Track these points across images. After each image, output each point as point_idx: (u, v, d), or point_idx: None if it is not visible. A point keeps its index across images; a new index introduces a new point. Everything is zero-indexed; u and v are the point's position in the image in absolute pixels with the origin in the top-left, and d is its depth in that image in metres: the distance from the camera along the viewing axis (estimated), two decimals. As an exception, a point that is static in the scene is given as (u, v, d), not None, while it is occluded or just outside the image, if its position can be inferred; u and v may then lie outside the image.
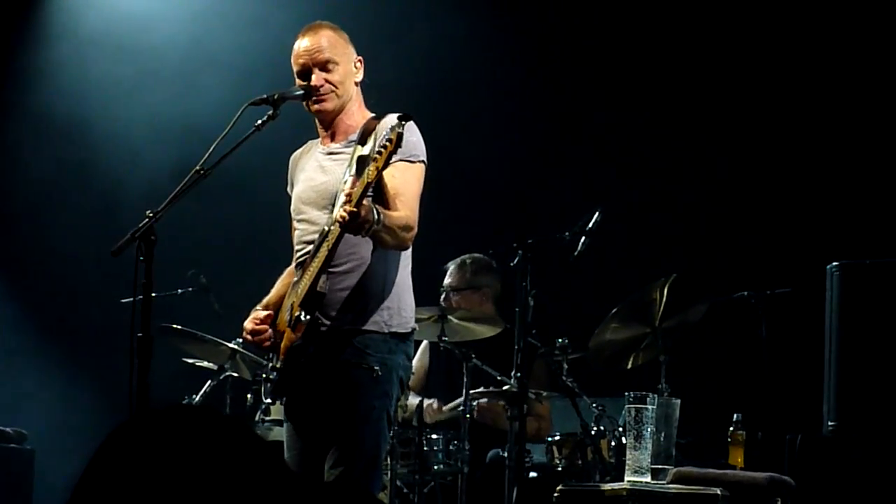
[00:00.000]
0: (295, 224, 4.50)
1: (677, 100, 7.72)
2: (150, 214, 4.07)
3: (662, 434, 4.71)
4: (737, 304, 6.50)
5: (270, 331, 4.37)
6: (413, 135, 4.32)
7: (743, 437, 5.50)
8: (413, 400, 6.56)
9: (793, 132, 7.47)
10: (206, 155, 4.19)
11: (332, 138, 4.47)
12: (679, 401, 4.81)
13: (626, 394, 4.72)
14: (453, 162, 7.45)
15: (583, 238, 6.21)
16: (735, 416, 5.55)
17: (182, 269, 7.50)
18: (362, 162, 4.16)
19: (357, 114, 4.46)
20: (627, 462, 4.68)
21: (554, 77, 8.12)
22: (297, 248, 4.46)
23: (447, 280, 6.99)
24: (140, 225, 4.05)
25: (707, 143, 7.65)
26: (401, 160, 4.21)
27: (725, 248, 7.50)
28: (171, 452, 1.61)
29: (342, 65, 4.42)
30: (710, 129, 7.66)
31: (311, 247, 4.31)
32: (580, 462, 6.32)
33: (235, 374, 6.85)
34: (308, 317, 4.22)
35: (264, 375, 4.45)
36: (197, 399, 6.72)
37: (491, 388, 6.35)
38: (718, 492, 4.59)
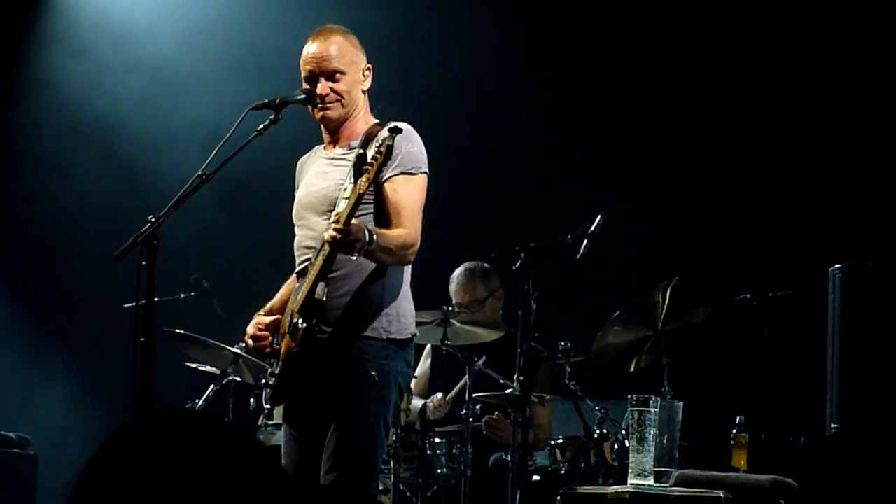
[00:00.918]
0: (295, 229, 4.50)
1: (679, 102, 7.73)
2: (153, 219, 4.07)
3: (665, 437, 4.71)
4: (739, 306, 6.50)
5: (271, 337, 4.37)
6: (414, 145, 4.31)
7: (746, 439, 5.50)
8: (416, 403, 6.55)
9: (795, 135, 7.47)
10: (209, 159, 4.19)
11: (336, 144, 4.47)
12: (682, 403, 4.82)
13: (629, 397, 4.73)
14: (455, 165, 7.46)
15: (585, 241, 6.20)
16: (738, 418, 5.55)
17: (185, 274, 7.50)
18: (360, 161, 4.16)
19: (361, 120, 4.45)
20: (630, 465, 4.69)
21: (555, 80, 8.12)
22: (296, 253, 4.46)
23: (462, 297, 6.86)
24: (142, 229, 4.05)
25: (710, 146, 7.65)
26: (401, 173, 4.21)
27: (728, 250, 7.50)
28: (167, 456, 1.61)
29: (349, 74, 4.40)
30: (712, 132, 7.66)
31: (311, 252, 4.32)
32: (583, 465, 6.32)
33: (238, 379, 6.84)
34: (305, 325, 4.22)
35: (264, 381, 4.46)
36: (199, 404, 6.72)
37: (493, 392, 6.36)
38: (721, 494, 4.59)
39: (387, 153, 3.93)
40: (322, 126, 4.50)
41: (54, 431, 8.32)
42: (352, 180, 4.21)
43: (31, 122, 8.64)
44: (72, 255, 8.50)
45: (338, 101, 4.38)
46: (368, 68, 4.47)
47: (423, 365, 6.98)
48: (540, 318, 6.14)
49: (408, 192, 4.26)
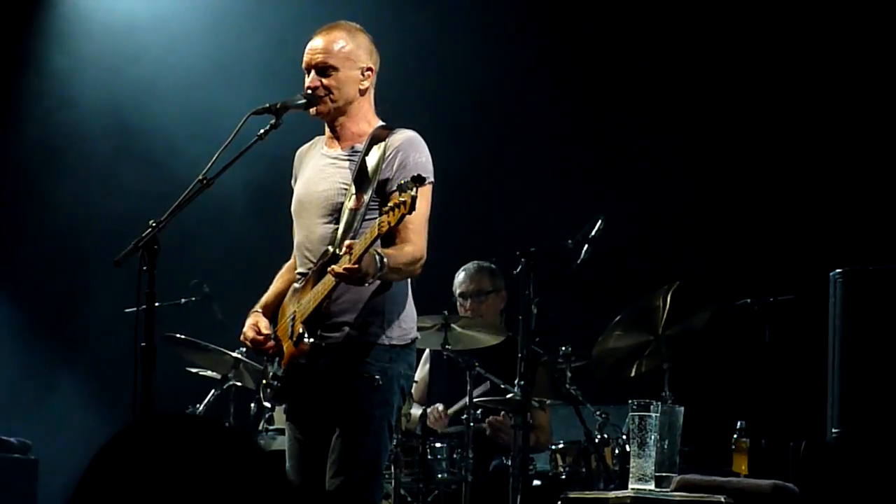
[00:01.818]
0: (294, 226, 4.49)
1: (680, 107, 7.73)
2: (154, 224, 4.07)
3: (666, 442, 4.70)
4: (740, 311, 6.50)
5: (272, 342, 4.38)
6: (422, 155, 4.31)
7: (747, 444, 5.50)
8: (416, 410, 6.55)
9: (795, 140, 7.47)
10: (210, 164, 4.19)
11: (338, 142, 4.46)
12: (682, 408, 4.81)
13: (630, 401, 4.71)
14: (455, 170, 7.46)
15: (585, 246, 6.20)
16: (739, 423, 5.55)
17: (185, 279, 7.50)
18: (363, 174, 4.17)
19: (363, 122, 4.43)
20: (631, 470, 4.68)
21: (556, 85, 8.12)
22: (296, 252, 4.46)
23: (467, 286, 6.93)
24: (143, 234, 4.06)
25: (710, 150, 7.65)
26: None
27: (728, 255, 7.49)
28: (167, 461, 1.61)
29: (342, 70, 4.37)
30: (712, 136, 7.66)
31: (311, 255, 4.32)
32: (584, 470, 6.32)
33: (239, 384, 6.84)
34: (312, 339, 4.23)
35: (264, 381, 4.46)
36: (200, 409, 6.72)
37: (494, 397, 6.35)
38: (722, 499, 4.58)
39: (411, 205, 3.87)
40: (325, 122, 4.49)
41: (55, 436, 8.31)
42: (355, 190, 4.22)
43: (32, 130, 8.66)
44: (73, 260, 8.50)
45: (327, 95, 4.36)
46: (370, 68, 4.44)
47: (423, 370, 6.97)
48: (540, 323, 6.14)
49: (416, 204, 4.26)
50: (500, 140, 8.18)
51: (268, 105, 4.32)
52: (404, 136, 4.30)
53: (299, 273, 4.41)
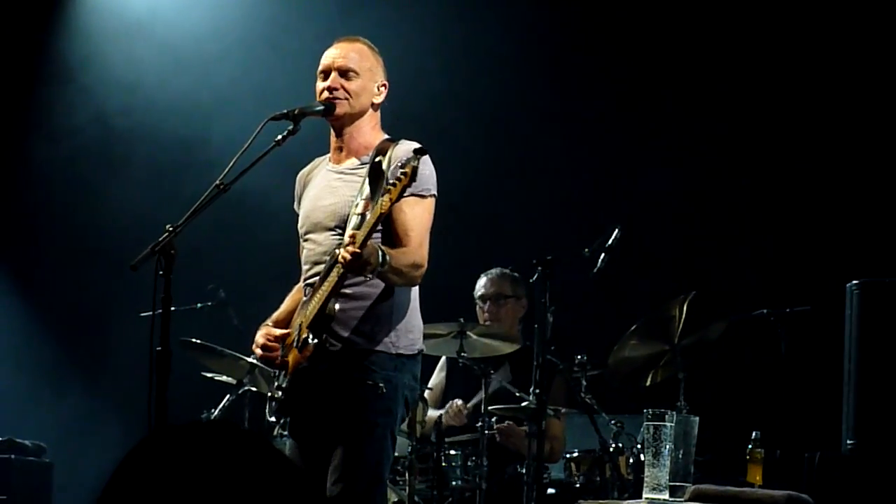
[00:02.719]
0: (302, 243, 4.50)
1: (696, 117, 7.72)
2: (170, 228, 4.08)
3: (681, 451, 4.70)
4: (756, 321, 6.49)
5: (280, 349, 4.38)
6: (426, 168, 4.30)
7: (761, 454, 5.48)
8: (432, 413, 6.55)
9: (812, 150, 7.46)
10: (226, 170, 4.20)
11: (343, 155, 4.47)
12: (697, 418, 4.80)
13: (645, 411, 4.71)
14: (472, 178, 7.47)
15: (602, 255, 6.19)
16: (754, 433, 5.53)
17: (201, 284, 7.52)
18: (375, 173, 4.16)
19: (370, 135, 4.45)
20: (645, 479, 4.67)
21: (572, 93, 8.12)
22: (304, 266, 4.46)
23: (487, 289, 6.94)
24: (160, 239, 4.06)
25: (726, 160, 7.64)
26: (412, 195, 4.19)
27: (745, 265, 7.48)
28: (191, 469, 1.61)
29: (363, 79, 4.41)
30: (729, 146, 7.66)
31: (319, 267, 4.32)
32: (598, 479, 6.31)
33: (254, 389, 6.85)
34: (316, 340, 4.23)
35: (269, 394, 4.47)
36: (215, 413, 6.73)
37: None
38: (737, 510, 4.57)
39: (412, 174, 3.91)
40: (332, 132, 4.50)
41: (70, 440, 8.33)
42: (363, 196, 4.22)
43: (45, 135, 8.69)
44: (88, 264, 8.52)
45: (346, 98, 4.39)
46: (384, 84, 4.49)
47: (438, 376, 6.97)
48: (556, 332, 6.13)
49: (416, 213, 4.27)
50: (519, 149, 8.18)
51: (285, 111, 4.33)
52: (410, 148, 4.32)
53: (307, 285, 4.41)
